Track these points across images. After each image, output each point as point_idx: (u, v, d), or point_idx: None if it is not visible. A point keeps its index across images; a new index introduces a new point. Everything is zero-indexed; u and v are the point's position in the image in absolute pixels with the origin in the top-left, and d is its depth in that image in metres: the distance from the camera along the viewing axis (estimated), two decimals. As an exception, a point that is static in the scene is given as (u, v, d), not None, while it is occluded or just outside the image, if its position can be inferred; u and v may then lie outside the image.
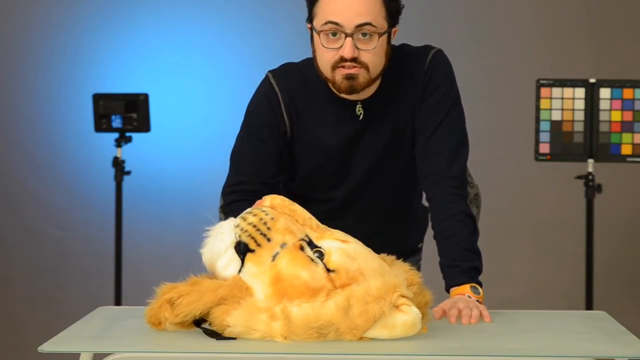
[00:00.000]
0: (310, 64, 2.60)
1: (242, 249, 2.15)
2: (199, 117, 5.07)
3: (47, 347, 2.05)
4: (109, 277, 4.81)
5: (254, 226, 2.15)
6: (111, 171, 4.68)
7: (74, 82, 5.23)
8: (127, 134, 4.62)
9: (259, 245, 2.14)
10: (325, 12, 2.45)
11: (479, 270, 2.48)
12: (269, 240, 2.13)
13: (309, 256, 2.13)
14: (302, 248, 2.13)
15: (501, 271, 5.16)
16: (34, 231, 5.25)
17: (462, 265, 2.47)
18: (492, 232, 5.17)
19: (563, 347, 2.13)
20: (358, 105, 2.58)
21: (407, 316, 2.09)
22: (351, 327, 2.07)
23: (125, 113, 4.58)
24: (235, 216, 2.27)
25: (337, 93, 2.57)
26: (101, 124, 4.59)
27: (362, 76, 2.48)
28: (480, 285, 2.46)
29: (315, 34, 2.49)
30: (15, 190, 5.26)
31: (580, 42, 5.17)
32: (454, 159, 2.58)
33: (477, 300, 2.41)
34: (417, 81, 2.59)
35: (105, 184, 4.93)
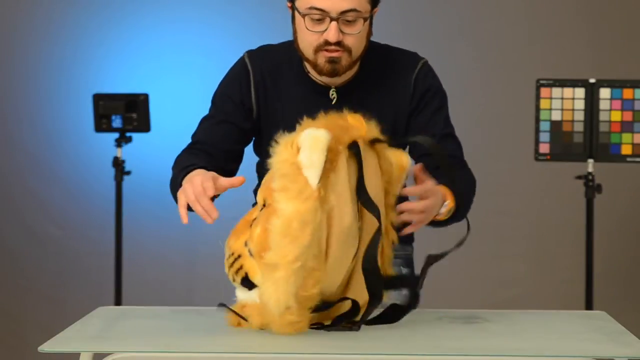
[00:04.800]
0: (288, 46, 2.60)
1: (247, 284, 2.18)
2: (199, 117, 5.03)
3: (47, 347, 2.05)
4: (109, 277, 4.81)
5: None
6: (111, 171, 4.68)
7: (75, 83, 5.24)
8: (127, 134, 4.63)
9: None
10: None
11: (457, 211, 2.44)
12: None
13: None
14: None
15: (501, 271, 5.16)
16: (34, 231, 5.25)
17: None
18: (492, 232, 5.18)
19: (562, 347, 2.13)
20: (332, 90, 2.58)
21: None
22: None
23: (125, 113, 4.59)
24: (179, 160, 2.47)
25: (312, 77, 2.57)
26: (101, 124, 4.60)
27: (345, 59, 2.48)
28: (457, 211, 2.43)
29: (297, 15, 2.49)
30: (15, 190, 5.27)
31: (580, 42, 5.17)
32: (461, 156, 2.62)
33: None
34: (403, 87, 2.58)
35: (105, 183, 4.94)
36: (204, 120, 2.66)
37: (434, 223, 2.42)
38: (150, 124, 4.62)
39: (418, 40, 4.88)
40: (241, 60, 2.64)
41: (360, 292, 2.21)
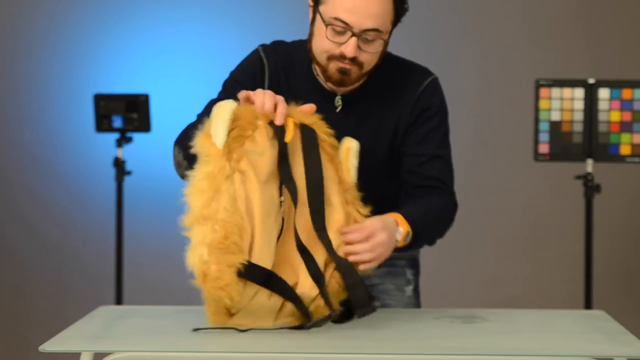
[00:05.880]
0: (298, 45, 2.59)
1: None
2: (200, 117, 5.08)
3: (48, 346, 2.06)
4: (110, 276, 4.81)
5: None
6: (112, 171, 4.68)
7: (75, 83, 5.24)
8: (128, 134, 4.63)
9: None
10: (337, 4, 2.42)
11: (419, 235, 2.42)
12: None
13: None
14: None
15: (500, 271, 5.16)
16: (36, 231, 5.25)
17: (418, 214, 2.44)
18: (492, 232, 5.18)
19: (562, 346, 2.14)
20: (337, 98, 2.56)
21: None
22: None
23: (126, 113, 4.59)
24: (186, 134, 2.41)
25: (319, 81, 2.56)
26: (102, 124, 4.60)
27: (355, 72, 2.46)
28: (413, 239, 2.40)
29: (319, 20, 2.46)
30: (16, 190, 5.27)
31: (579, 43, 5.17)
32: (447, 180, 2.57)
33: (398, 248, 2.39)
34: (406, 101, 2.56)
35: (106, 183, 4.94)
36: (213, 101, 2.58)
37: (397, 249, 2.41)
38: (150, 124, 4.62)
39: (418, 41, 4.88)
40: (256, 53, 2.61)
41: (301, 273, 2.25)
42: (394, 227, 2.37)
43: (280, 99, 2.32)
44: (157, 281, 5.12)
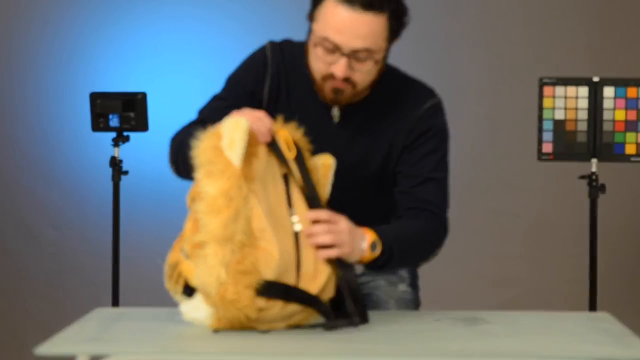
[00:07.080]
0: (304, 49, 2.57)
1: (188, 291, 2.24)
2: (198, 116, 5.08)
3: (43, 349, 2.05)
4: (106, 277, 4.79)
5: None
6: (109, 171, 4.66)
7: (71, 81, 5.24)
8: (125, 134, 4.61)
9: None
10: (326, 24, 2.41)
11: (391, 252, 2.39)
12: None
13: None
14: None
15: (503, 271, 5.16)
16: (31, 231, 5.25)
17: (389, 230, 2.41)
18: (495, 232, 5.18)
19: (565, 349, 2.13)
20: (335, 108, 2.55)
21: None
22: None
23: (122, 112, 4.57)
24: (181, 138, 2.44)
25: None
26: (98, 123, 4.58)
27: (348, 91, 2.47)
28: (383, 252, 2.37)
29: (312, 38, 2.47)
30: (12, 190, 5.27)
31: (584, 41, 5.17)
32: (440, 204, 2.55)
33: (371, 262, 2.37)
34: (405, 122, 2.55)
35: (102, 183, 4.92)
36: (215, 98, 2.61)
37: (370, 264, 2.39)
38: (148, 123, 4.61)
39: (421, 40, 4.86)
40: (262, 50, 2.60)
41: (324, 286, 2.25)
42: (360, 233, 2.34)
43: (261, 115, 2.29)
44: (154, 283, 5.08)
